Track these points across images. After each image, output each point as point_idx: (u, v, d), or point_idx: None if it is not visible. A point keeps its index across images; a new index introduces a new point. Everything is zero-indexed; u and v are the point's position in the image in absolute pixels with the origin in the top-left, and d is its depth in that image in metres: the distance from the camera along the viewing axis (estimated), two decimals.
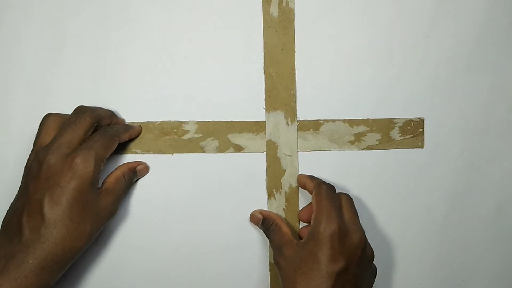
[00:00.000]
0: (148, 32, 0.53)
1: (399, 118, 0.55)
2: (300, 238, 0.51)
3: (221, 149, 0.53)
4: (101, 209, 0.46)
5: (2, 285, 0.39)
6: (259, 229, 0.53)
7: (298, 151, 0.54)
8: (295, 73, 0.53)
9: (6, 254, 0.42)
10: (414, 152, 0.55)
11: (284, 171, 0.53)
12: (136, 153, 0.53)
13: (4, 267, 0.41)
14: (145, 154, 0.53)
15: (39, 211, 0.42)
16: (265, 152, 0.53)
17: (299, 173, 0.54)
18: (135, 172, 0.51)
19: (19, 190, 0.46)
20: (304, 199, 0.54)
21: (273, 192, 0.54)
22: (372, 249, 0.48)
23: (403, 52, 0.55)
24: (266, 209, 0.53)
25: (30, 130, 0.52)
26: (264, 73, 0.53)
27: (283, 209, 0.54)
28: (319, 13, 0.54)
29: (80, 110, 0.48)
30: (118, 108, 0.53)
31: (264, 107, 0.53)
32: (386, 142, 0.55)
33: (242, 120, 0.53)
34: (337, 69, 0.54)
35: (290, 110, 0.53)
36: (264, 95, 0.53)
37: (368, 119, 0.54)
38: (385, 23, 0.54)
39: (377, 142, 0.54)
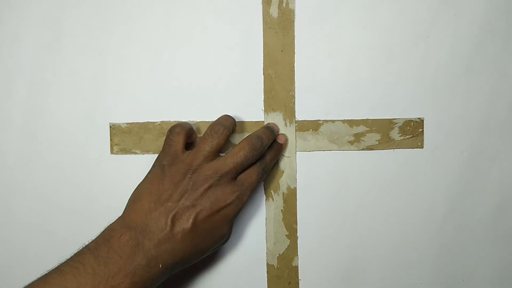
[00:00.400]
0: (147, 32, 0.53)
1: (399, 118, 0.54)
2: None
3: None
4: (221, 237, 0.48)
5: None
6: (257, 230, 0.54)
7: (296, 152, 0.54)
8: (294, 74, 0.53)
9: (144, 249, 0.43)
10: (414, 152, 0.55)
11: (282, 172, 0.53)
12: (136, 153, 0.53)
13: (143, 269, 0.42)
14: (144, 154, 0.53)
15: (189, 218, 0.45)
16: None
17: (297, 174, 0.54)
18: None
19: (157, 179, 0.47)
20: (303, 200, 0.54)
21: (271, 193, 0.54)
22: None
23: (403, 52, 0.54)
24: (264, 211, 0.54)
25: (30, 130, 0.52)
26: (263, 74, 0.53)
27: (281, 210, 0.54)
28: (319, 14, 0.53)
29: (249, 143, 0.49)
30: (118, 108, 0.53)
31: (263, 108, 0.53)
32: (385, 142, 0.54)
33: (241, 120, 0.53)
34: (337, 69, 0.54)
35: (288, 111, 0.53)
36: (263, 96, 0.53)
37: (367, 119, 0.54)
38: (385, 24, 0.54)
39: (377, 142, 0.54)
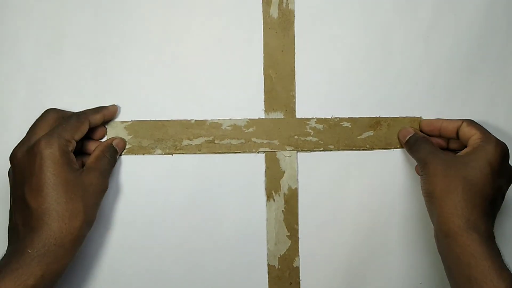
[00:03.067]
0: (148, 33, 0.53)
1: (399, 117, 0.54)
2: None
3: None
4: (87, 186, 0.46)
5: (4, 277, 0.40)
6: (258, 231, 0.54)
7: (297, 152, 0.54)
8: (294, 74, 0.53)
9: (10, 252, 0.43)
10: None
11: (283, 172, 0.53)
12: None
13: (6, 261, 0.42)
14: (145, 154, 0.53)
15: (25, 205, 0.43)
16: (264, 153, 0.54)
17: (298, 174, 0.54)
18: (113, 147, 0.51)
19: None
20: (304, 201, 0.54)
21: (272, 193, 0.54)
22: None
23: (402, 52, 0.54)
24: (265, 211, 0.54)
25: None
26: (263, 74, 0.53)
27: (282, 211, 0.54)
28: (319, 14, 0.54)
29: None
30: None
31: (264, 108, 0.53)
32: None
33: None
34: (337, 70, 0.54)
35: (289, 111, 0.53)
36: (263, 96, 0.53)
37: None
38: (384, 24, 0.54)
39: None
